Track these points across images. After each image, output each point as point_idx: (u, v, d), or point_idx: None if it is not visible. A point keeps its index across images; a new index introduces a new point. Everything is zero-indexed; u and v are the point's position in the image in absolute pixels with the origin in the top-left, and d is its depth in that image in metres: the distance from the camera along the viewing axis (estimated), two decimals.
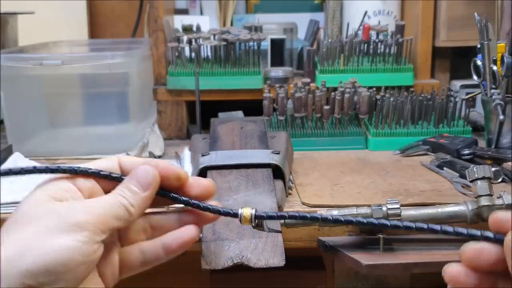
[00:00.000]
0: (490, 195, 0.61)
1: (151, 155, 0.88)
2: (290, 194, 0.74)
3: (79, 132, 0.99)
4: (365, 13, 1.14)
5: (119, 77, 0.95)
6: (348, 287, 0.72)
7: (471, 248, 0.37)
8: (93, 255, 0.38)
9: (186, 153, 0.89)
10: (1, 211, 0.67)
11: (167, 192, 0.43)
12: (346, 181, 0.79)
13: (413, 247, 0.65)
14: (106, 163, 0.43)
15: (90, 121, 0.99)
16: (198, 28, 1.17)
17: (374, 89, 0.99)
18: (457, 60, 1.14)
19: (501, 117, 0.85)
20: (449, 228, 0.40)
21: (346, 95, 0.95)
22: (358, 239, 0.67)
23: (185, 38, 1.09)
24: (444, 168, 0.82)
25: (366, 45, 1.08)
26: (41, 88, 0.97)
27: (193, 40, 1.08)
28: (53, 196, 0.39)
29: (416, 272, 0.64)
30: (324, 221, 0.43)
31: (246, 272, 0.75)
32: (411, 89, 1.02)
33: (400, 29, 1.07)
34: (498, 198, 0.62)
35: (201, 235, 0.58)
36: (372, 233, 0.66)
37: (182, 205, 0.45)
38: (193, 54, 1.06)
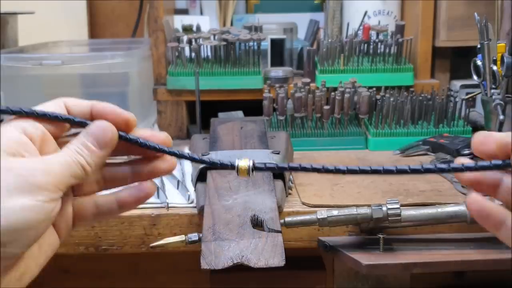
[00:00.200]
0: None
1: None
2: (290, 194, 0.74)
3: None
4: (365, 13, 1.14)
5: (119, 77, 0.95)
6: (348, 287, 0.72)
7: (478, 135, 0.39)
8: (52, 212, 0.38)
9: None
10: None
11: (133, 138, 0.42)
12: (346, 181, 0.79)
13: (413, 247, 0.65)
14: (53, 106, 0.42)
15: None
16: (198, 28, 1.17)
17: (374, 89, 0.99)
18: (457, 60, 1.14)
19: (501, 117, 0.85)
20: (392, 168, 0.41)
21: (346, 95, 0.95)
22: (358, 239, 0.67)
23: (185, 38, 1.09)
24: None
25: (366, 45, 1.08)
26: (41, 88, 0.97)
27: (193, 40, 1.08)
28: (6, 151, 0.38)
29: (416, 272, 0.64)
30: (304, 169, 0.42)
31: (246, 272, 0.75)
32: (411, 89, 1.02)
33: (400, 29, 1.07)
34: None
35: (201, 235, 0.58)
36: (372, 233, 0.66)
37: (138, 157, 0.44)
38: (193, 54, 1.05)
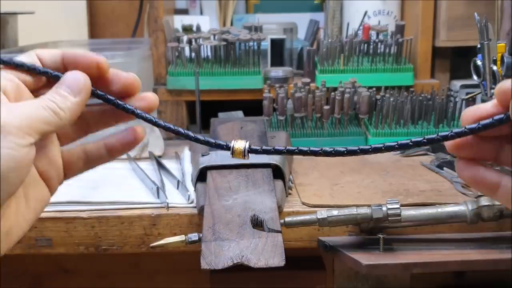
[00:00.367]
0: None
1: (151, 155, 0.88)
2: (290, 194, 0.74)
3: None
4: (365, 13, 1.14)
5: None
6: (348, 287, 0.72)
7: (469, 109, 0.36)
8: (23, 160, 0.36)
9: (186, 153, 0.89)
10: None
11: (104, 94, 0.42)
12: (346, 181, 0.79)
13: (413, 247, 0.65)
14: (27, 58, 0.41)
15: None
16: (198, 28, 1.17)
17: (374, 89, 0.99)
18: (457, 60, 1.14)
19: None
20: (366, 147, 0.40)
21: (346, 95, 0.95)
22: (358, 239, 0.67)
23: (185, 38, 1.09)
24: (444, 168, 0.82)
25: (366, 45, 1.08)
26: None
27: (193, 40, 1.08)
28: None
29: (416, 272, 0.64)
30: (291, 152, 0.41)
31: (246, 272, 0.75)
32: (411, 89, 1.02)
33: (400, 29, 1.07)
34: None
35: (201, 235, 0.58)
36: (372, 233, 0.66)
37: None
38: (193, 54, 1.06)
